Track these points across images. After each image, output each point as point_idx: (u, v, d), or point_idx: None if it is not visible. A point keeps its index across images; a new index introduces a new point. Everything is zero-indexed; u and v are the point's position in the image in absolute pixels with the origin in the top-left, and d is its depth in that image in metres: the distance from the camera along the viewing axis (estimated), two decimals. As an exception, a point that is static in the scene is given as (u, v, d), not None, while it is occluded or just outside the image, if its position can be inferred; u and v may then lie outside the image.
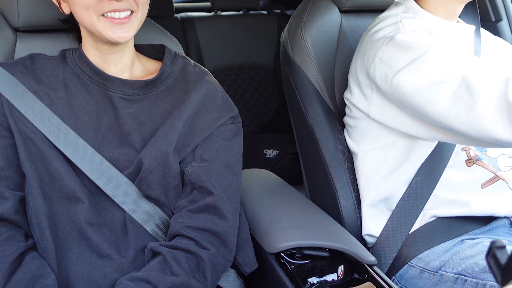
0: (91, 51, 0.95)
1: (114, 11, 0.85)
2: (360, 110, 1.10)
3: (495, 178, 1.11)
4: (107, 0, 0.84)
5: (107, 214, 0.90)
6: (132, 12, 0.88)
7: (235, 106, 1.02)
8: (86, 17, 0.87)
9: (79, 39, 1.02)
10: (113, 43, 0.91)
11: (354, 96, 1.11)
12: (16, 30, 1.07)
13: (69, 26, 1.01)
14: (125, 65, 0.97)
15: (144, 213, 0.90)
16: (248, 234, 1.00)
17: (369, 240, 1.17)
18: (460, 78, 0.90)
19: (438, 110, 0.92)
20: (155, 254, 0.88)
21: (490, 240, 1.07)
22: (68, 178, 0.88)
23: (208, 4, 2.70)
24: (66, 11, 0.92)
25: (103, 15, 0.86)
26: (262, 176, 1.30)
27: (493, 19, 1.57)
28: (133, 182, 0.91)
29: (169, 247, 0.86)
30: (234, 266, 0.98)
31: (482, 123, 0.87)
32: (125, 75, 0.97)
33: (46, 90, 0.91)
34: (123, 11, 0.86)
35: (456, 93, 0.90)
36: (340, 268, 0.94)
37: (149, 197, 0.92)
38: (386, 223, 1.14)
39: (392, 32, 1.03)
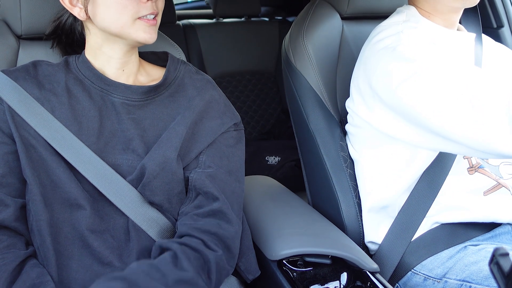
0: (99, 57, 0.95)
1: (151, 14, 0.89)
2: (362, 119, 1.10)
3: (498, 186, 1.11)
4: (143, 3, 0.87)
5: (109, 220, 0.90)
6: (156, 14, 0.91)
7: (237, 113, 1.02)
8: (118, 21, 0.88)
9: (65, 50, 1.04)
10: (134, 46, 0.94)
11: (356, 105, 1.11)
12: (19, 37, 1.08)
13: (54, 37, 1.02)
14: (132, 70, 0.97)
15: (148, 219, 0.90)
16: (250, 241, 0.99)
17: (372, 247, 1.17)
18: (463, 93, 0.90)
19: (440, 123, 0.92)
20: (162, 252, 0.87)
21: (494, 246, 1.07)
22: (69, 184, 0.87)
23: (210, 11, 2.71)
24: (83, 16, 0.91)
25: (139, 17, 0.88)
26: (264, 183, 1.30)
27: (495, 25, 1.57)
28: (136, 188, 0.91)
29: (179, 243, 0.86)
30: (236, 273, 0.98)
31: (486, 138, 0.87)
32: (130, 81, 0.97)
33: (48, 96, 0.92)
34: (154, 14, 0.89)
35: (459, 107, 0.89)
36: (343, 276, 0.93)
37: (152, 203, 0.92)
38: (388, 230, 1.13)
39: (394, 43, 1.02)
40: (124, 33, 0.89)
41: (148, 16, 0.88)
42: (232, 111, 1.02)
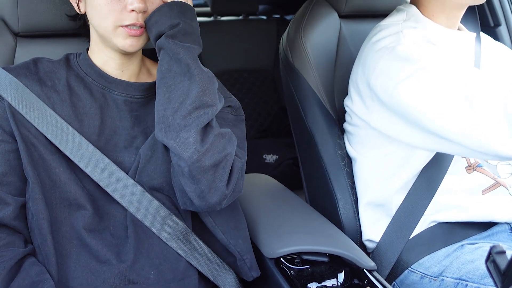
0: (99, 55, 0.95)
1: (134, 24, 0.86)
2: (360, 118, 1.10)
3: (496, 185, 1.11)
4: (128, 12, 0.85)
5: (109, 219, 0.89)
6: (144, 27, 0.88)
7: (236, 99, 1.01)
8: (101, 24, 0.88)
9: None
10: (122, 51, 0.92)
11: (355, 104, 1.11)
12: (16, 35, 1.07)
13: (78, 27, 1.00)
14: (132, 72, 0.97)
15: (149, 213, 0.89)
16: (250, 241, 0.99)
17: (369, 245, 1.17)
18: (461, 93, 0.90)
19: (437, 124, 0.92)
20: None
21: (490, 245, 1.07)
22: (70, 184, 0.87)
23: (207, 9, 2.71)
24: (82, 10, 0.92)
25: (121, 25, 0.86)
26: (261, 181, 1.30)
27: (492, 24, 1.57)
28: (135, 178, 0.90)
29: None
30: (235, 270, 0.98)
31: (484, 139, 0.87)
32: (131, 80, 0.97)
33: (49, 93, 0.91)
34: (139, 26, 0.87)
35: (457, 108, 0.90)
36: (340, 274, 0.93)
37: (153, 190, 0.91)
38: (386, 228, 1.13)
39: (393, 43, 1.02)
40: (107, 37, 0.89)
41: (130, 26, 0.86)
42: (228, 96, 1.00)
